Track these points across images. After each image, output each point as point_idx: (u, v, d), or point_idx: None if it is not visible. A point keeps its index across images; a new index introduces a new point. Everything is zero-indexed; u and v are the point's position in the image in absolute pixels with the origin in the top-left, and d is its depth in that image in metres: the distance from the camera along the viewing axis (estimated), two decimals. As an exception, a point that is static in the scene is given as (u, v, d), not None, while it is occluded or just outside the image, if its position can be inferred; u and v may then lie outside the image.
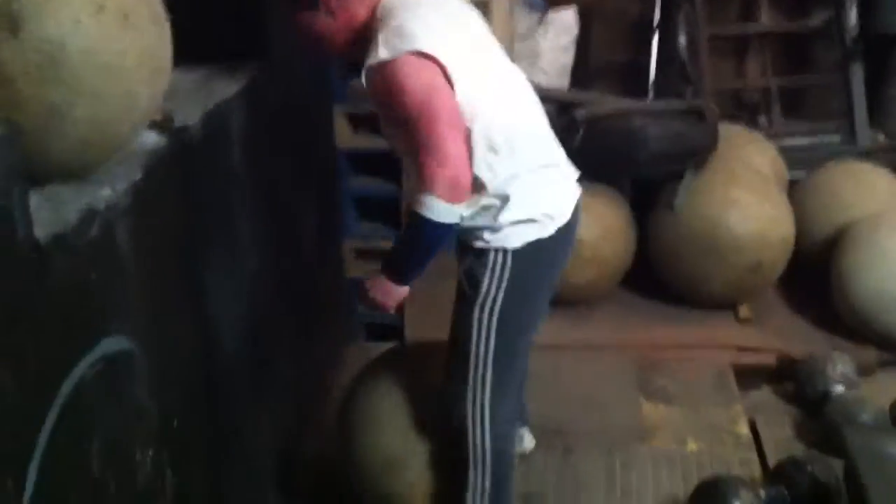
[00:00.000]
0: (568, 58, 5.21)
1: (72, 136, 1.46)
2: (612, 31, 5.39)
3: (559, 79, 5.18)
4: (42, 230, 1.38)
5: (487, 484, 2.29)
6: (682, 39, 5.15)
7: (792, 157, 4.38)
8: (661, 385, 3.29)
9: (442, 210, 2.00)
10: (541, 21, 5.11)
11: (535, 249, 2.16)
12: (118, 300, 1.64)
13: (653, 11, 5.25)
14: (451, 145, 2.00)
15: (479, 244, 2.16)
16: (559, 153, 2.31)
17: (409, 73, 2.00)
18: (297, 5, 2.15)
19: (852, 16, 4.89)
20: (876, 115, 4.88)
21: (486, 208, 2.13)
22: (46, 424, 1.40)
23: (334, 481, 2.80)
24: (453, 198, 2.00)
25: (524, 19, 5.06)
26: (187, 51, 2.33)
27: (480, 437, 2.25)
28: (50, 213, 1.45)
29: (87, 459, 1.53)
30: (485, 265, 2.17)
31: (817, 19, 5.12)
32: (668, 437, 3.02)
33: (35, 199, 1.43)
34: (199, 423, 2.08)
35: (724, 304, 3.71)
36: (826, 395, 3.04)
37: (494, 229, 2.14)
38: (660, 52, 5.23)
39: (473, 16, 2.28)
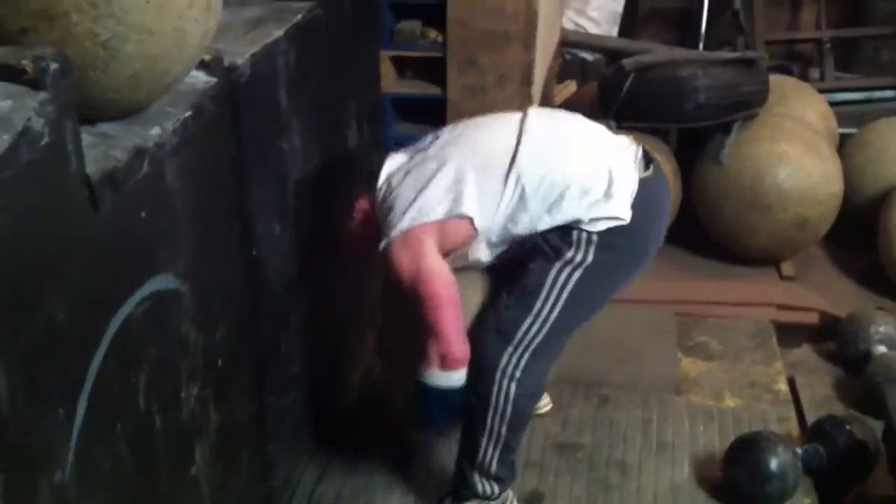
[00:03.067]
0: (617, 5, 5.12)
1: (122, 72, 1.46)
2: (663, -23, 5.30)
3: (608, 26, 5.10)
4: (93, 167, 1.39)
5: (504, 430, 2.32)
6: (736, -13, 5.04)
7: (843, 112, 4.30)
8: (701, 340, 3.28)
9: (436, 378, 2.27)
10: (591, -33, 5.02)
11: (622, 234, 2.22)
12: (166, 238, 1.65)
13: (706, -42, 5.14)
14: (452, 327, 2.24)
15: (564, 228, 2.22)
16: (603, 149, 2.34)
17: (401, 254, 2.24)
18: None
19: (912, -35, 4.75)
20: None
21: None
22: (96, 357, 1.42)
23: (376, 416, 2.84)
24: (447, 364, 2.26)
25: (574, -35, 4.97)
26: (237, -11, 2.36)
27: (507, 387, 2.28)
28: (101, 150, 1.46)
29: (134, 393, 1.56)
30: (567, 240, 2.23)
31: (875, -31, 4.99)
32: (705, 392, 3.02)
33: (86, 136, 1.44)
34: (245, 361, 2.10)
35: (768, 261, 3.67)
36: (867, 355, 3.01)
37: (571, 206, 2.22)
38: (712, 0, 5.13)
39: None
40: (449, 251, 2.28)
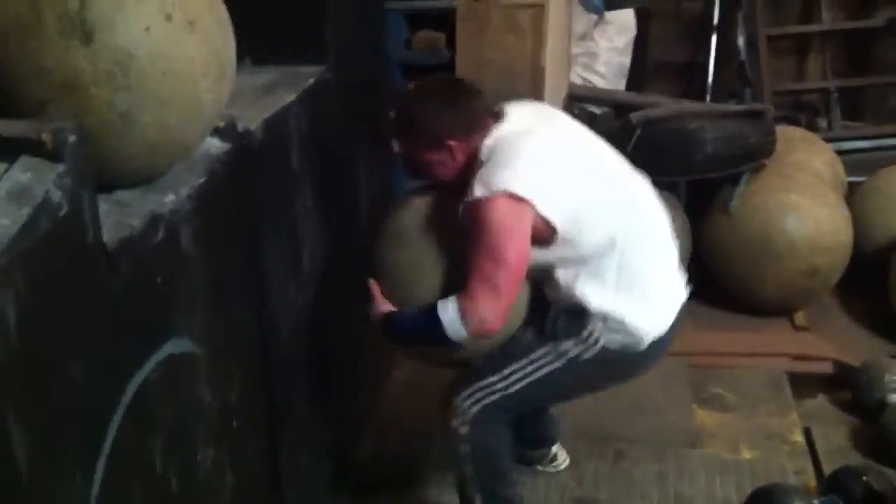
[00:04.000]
0: (625, 59, 5.18)
1: (139, 141, 1.50)
2: (670, 31, 5.37)
3: (616, 80, 5.16)
4: (110, 234, 1.42)
5: (477, 475, 2.35)
6: (741, 40, 5.11)
7: (851, 160, 4.33)
8: (716, 392, 3.28)
9: (457, 328, 2.11)
10: (598, 22, 5.09)
11: (625, 355, 2.23)
12: (182, 302, 1.68)
13: (712, 11, 5.22)
14: (507, 295, 2.10)
15: (585, 317, 2.20)
16: (673, 263, 2.34)
17: (495, 211, 2.08)
18: (416, 144, 2.26)
19: (916, 13, 4.81)
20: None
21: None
22: (113, 422, 1.44)
23: (390, 482, 2.84)
24: (473, 328, 2.11)
25: (581, 20, 5.04)
26: (251, 55, 2.42)
27: (458, 426, 2.30)
28: (117, 217, 1.49)
29: (151, 457, 1.57)
30: (575, 334, 2.21)
31: (880, 18, 5.05)
32: (721, 445, 3.00)
33: (103, 205, 1.47)
34: (259, 422, 2.11)
35: (780, 311, 3.67)
36: (883, 404, 3.00)
37: (600, 317, 2.19)
38: (718, 53, 5.19)
39: (581, 137, 2.33)
40: None
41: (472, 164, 2.20)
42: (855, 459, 2.86)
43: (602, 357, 2.21)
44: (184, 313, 1.69)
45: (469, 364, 2.32)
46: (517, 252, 2.09)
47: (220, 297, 1.85)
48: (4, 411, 1.14)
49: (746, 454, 2.95)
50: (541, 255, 2.17)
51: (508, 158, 2.14)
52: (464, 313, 2.10)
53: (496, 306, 2.09)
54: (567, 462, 2.85)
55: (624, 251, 2.18)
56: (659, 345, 2.26)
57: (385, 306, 2.25)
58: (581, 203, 2.16)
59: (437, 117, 2.22)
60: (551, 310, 2.25)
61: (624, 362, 2.26)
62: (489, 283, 2.08)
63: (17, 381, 1.17)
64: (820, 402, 3.28)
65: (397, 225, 2.32)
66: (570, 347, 2.22)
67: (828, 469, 2.79)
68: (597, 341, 2.20)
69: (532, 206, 2.09)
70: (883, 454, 2.83)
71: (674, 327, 2.29)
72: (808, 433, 3.04)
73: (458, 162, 2.23)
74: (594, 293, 2.18)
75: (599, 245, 2.16)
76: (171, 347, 1.64)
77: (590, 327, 2.20)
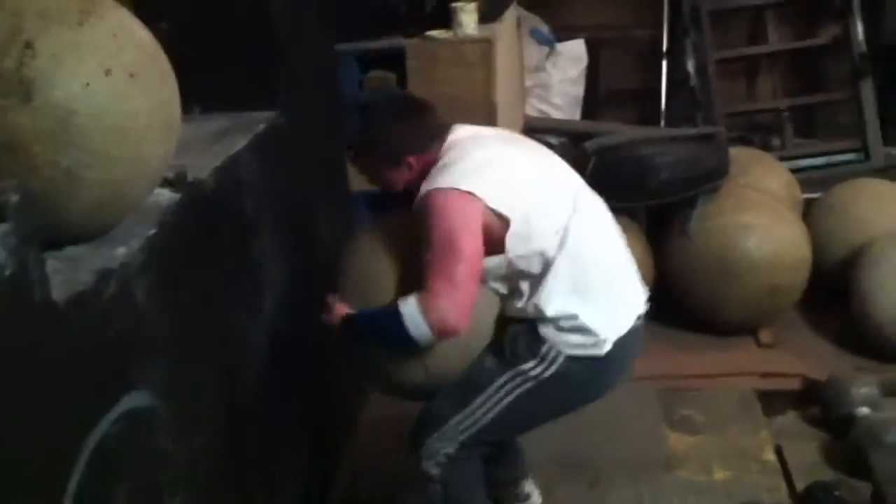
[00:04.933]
0: (578, 89, 5.24)
1: (86, 198, 1.49)
2: (621, 59, 5.44)
3: (571, 110, 5.21)
4: (59, 291, 1.41)
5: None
6: (691, 65, 5.18)
7: (806, 178, 4.39)
8: (686, 414, 3.28)
9: (418, 322, 2.08)
10: (550, 54, 5.15)
11: (587, 365, 2.20)
12: (138, 355, 1.66)
13: (661, 38, 5.30)
14: (466, 288, 2.09)
15: (541, 330, 2.18)
16: (629, 271, 2.34)
17: (445, 206, 2.10)
18: (376, 162, 2.32)
19: (859, 31, 4.90)
20: (889, 130, 4.88)
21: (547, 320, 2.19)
22: (72, 479, 1.42)
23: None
24: (435, 323, 2.08)
25: (533, 53, 5.10)
26: (199, 103, 2.42)
27: (430, 468, 2.29)
28: (67, 274, 1.48)
29: (114, 513, 1.55)
30: (535, 351, 2.19)
31: (825, 36, 5.14)
32: (694, 467, 3.00)
33: (52, 262, 1.46)
34: (225, 469, 2.09)
35: (745, 329, 3.70)
36: (851, 418, 3.02)
37: (552, 322, 2.18)
38: (669, 78, 5.27)
39: (537, 151, 2.36)
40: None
41: (427, 171, 2.23)
42: (827, 474, 2.87)
43: (566, 371, 2.18)
44: (141, 366, 1.67)
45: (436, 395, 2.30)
46: (471, 244, 2.09)
47: (180, 346, 1.84)
48: (-47, 478, 1.12)
49: (719, 475, 2.95)
50: (497, 259, 2.17)
51: (457, 160, 2.18)
52: (424, 308, 2.08)
53: (455, 299, 2.07)
54: (540, 500, 2.81)
55: (576, 251, 2.17)
56: (621, 352, 2.22)
57: (344, 309, 2.23)
58: (531, 200, 2.16)
59: (395, 137, 2.26)
60: (507, 333, 2.23)
61: (589, 373, 2.22)
62: (446, 276, 2.07)
63: (-35, 447, 1.15)
64: (790, 418, 3.29)
65: (359, 241, 2.35)
66: (533, 367, 2.19)
67: (800, 485, 2.80)
68: (558, 355, 2.17)
69: (480, 201, 2.11)
70: (854, 468, 2.84)
71: (634, 338, 2.27)
72: (779, 450, 3.05)
73: (415, 172, 2.26)
74: (550, 296, 2.16)
75: (551, 239, 2.15)
76: (130, 401, 1.62)
77: (547, 340, 2.18)
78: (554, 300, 2.16)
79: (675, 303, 3.76)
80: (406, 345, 2.14)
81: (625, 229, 3.42)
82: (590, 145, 3.57)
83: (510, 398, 2.22)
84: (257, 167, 2.31)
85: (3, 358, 1.24)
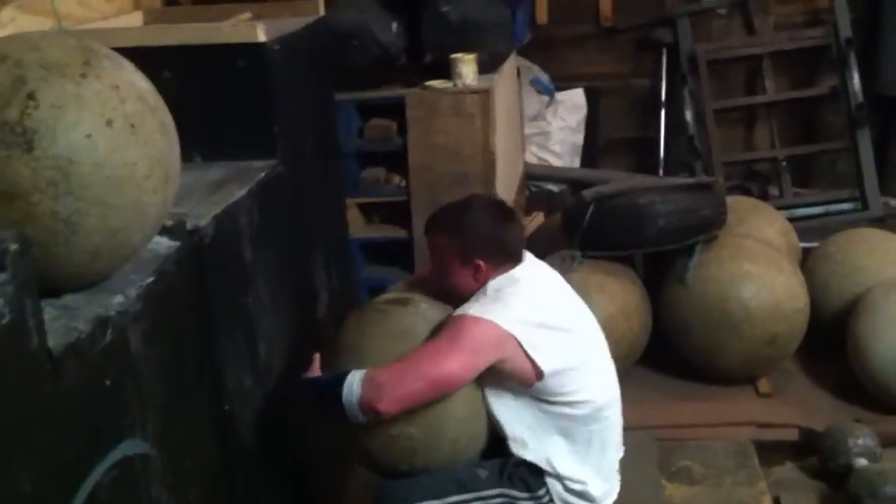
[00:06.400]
0: (578, 137, 5.29)
1: (84, 246, 1.51)
2: (619, 108, 5.50)
3: (570, 157, 5.26)
4: (55, 340, 1.42)
5: None
6: (689, 114, 5.24)
7: (804, 227, 4.41)
8: (683, 465, 3.26)
9: (353, 389, 2.08)
10: (549, 102, 5.21)
11: None
12: (133, 403, 1.66)
13: (659, 87, 5.35)
14: (415, 387, 2.08)
15: (547, 478, 2.23)
16: (621, 439, 2.43)
17: (473, 330, 2.11)
18: (450, 247, 2.29)
19: (855, 81, 4.95)
20: (886, 180, 4.92)
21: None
22: (64, 529, 1.42)
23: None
24: (364, 394, 2.07)
25: (533, 101, 5.16)
26: (199, 151, 2.45)
27: None
28: (64, 322, 1.49)
29: (105, 564, 1.55)
30: (531, 488, 2.22)
31: (822, 86, 5.20)
32: (692, 518, 2.98)
33: (49, 310, 1.48)
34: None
35: (743, 379, 3.68)
36: (848, 469, 3.00)
37: (560, 479, 2.23)
38: (668, 128, 5.32)
39: (582, 312, 2.39)
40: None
41: (475, 290, 2.25)
42: (825, 526, 2.86)
43: None
44: (135, 415, 1.67)
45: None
46: (458, 368, 2.09)
47: (174, 395, 1.84)
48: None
49: (716, 527, 2.93)
50: (519, 405, 2.21)
51: (512, 299, 2.19)
52: (365, 380, 2.08)
53: (395, 388, 2.07)
54: None
55: (599, 422, 2.25)
56: None
57: (315, 370, 2.25)
58: (569, 366, 2.20)
59: (484, 232, 2.26)
60: (512, 458, 2.24)
61: None
62: (408, 368, 2.09)
63: (-42, 496, 1.15)
64: (788, 469, 3.26)
65: (361, 316, 2.33)
66: (523, 499, 2.22)
67: (798, 537, 2.78)
68: (550, 500, 2.22)
69: (518, 344, 2.12)
70: (852, 520, 2.83)
71: None
72: (777, 502, 3.03)
73: (475, 283, 2.26)
74: (566, 458, 2.22)
75: (579, 407, 2.22)
76: (124, 450, 1.62)
77: (547, 486, 2.22)
78: (569, 463, 2.23)
79: (673, 351, 3.75)
80: (334, 411, 2.13)
81: (623, 278, 3.45)
82: (588, 193, 3.58)
83: None
84: (256, 216, 2.33)
85: (1, 402, 1.25)
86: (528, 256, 2.36)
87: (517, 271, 2.28)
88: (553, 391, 2.19)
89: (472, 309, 2.16)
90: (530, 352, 2.12)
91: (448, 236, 2.30)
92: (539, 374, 2.15)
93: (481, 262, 2.24)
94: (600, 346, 2.39)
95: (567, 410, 2.21)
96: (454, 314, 2.18)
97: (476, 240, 2.25)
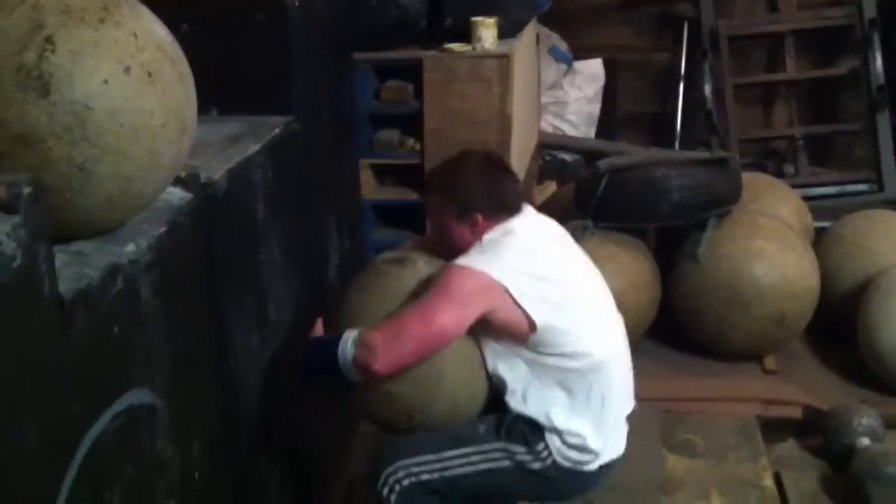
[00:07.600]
0: (594, 107, 5.26)
1: (98, 193, 1.50)
2: (638, 81, 5.46)
3: (586, 128, 5.24)
4: (66, 286, 1.42)
5: None
6: (708, 89, 5.20)
7: (818, 206, 4.38)
8: (686, 438, 3.27)
9: (346, 347, 2.11)
10: (567, 72, 5.17)
11: (567, 473, 2.25)
12: (141, 353, 1.66)
13: (679, 62, 5.31)
14: (408, 347, 2.10)
15: (545, 433, 2.22)
16: (631, 392, 2.40)
17: (461, 280, 2.12)
18: (446, 206, 2.29)
19: (878, 63, 4.91)
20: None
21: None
22: (67, 477, 1.42)
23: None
24: (358, 353, 2.10)
25: (551, 70, 5.13)
26: (217, 105, 2.43)
27: (387, 495, 2.24)
28: (75, 269, 1.49)
29: (108, 511, 1.56)
30: (529, 443, 2.22)
31: (843, 67, 5.15)
32: (692, 491, 2.99)
33: (61, 256, 1.47)
34: (222, 475, 2.09)
35: (749, 356, 3.69)
36: (852, 449, 3.01)
37: (558, 433, 2.22)
38: (685, 102, 5.28)
39: (582, 264, 2.38)
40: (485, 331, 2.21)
41: (472, 242, 2.25)
42: (825, 504, 2.87)
43: (545, 472, 2.23)
44: (143, 365, 1.68)
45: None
46: (450, 320, 2.09)
47: (183, 348, 1.84)
48: (-48, 466, 1.13)
49: (717, 500, 2.94)
50: (515, 360, 2.21)
51: (504, 250, 2.19)
52: (359, 340, 2.11)
53: (391, 348, 2.08)
54: None
55: (598, 373, 2.22)
56: (605, 471, 2.30)
57: (318, 331, 2.27)
58: (563, 318, 2.18)
59: (478, 188, 2.27)
60: (510, 413, 2.24)
61: (563, 480, 2.26)
62: (401, 326, 2.10)
63: (-35, 436, 1.16)
64: (790, 447, 3.28)
65: (367, 277, 2.35)
66: (522, 454, 2.22)
67: (798, 515, 2.79)
68: (549, 455, 2.21)
69: (508, 294, 2.11)
70: (852, 499, 2.83)
71: (616, 465, 2.35)
72: (778, 479, 3.04)
73: (473, 237, 2.26)
74: (564, 412, 2.21)
75: (575, 360, 2.20)
76: (130, 399, 1.63)
77: (546, 441, 2.21)
78: (567, 417, 2.21)
79: (681, 326, 3.75)
80: (330, 373, 2.14)
81: (634, 251, 3.43)
82: (602, 164, 3.57)
83: (485, 465, 2.22)
84: (270, 172, 2.32)
85: (6, 348, 1.25)
86: (528, 208, 2.36)
87: (513, 222, 2.28)
88: (548, 342, 2.18)
89: (462, 259, 2.16)
90: (521, 301, 2.12)
91: (442, 193, 2.32)
92: (532, 325, 2.15)
93: (478, 216, 2.25)
94: (602, 300, 2.36)
95: (563, 363, 2.19)
96: (445, 265, 2.18)
97: (470, 194, 2.26)
